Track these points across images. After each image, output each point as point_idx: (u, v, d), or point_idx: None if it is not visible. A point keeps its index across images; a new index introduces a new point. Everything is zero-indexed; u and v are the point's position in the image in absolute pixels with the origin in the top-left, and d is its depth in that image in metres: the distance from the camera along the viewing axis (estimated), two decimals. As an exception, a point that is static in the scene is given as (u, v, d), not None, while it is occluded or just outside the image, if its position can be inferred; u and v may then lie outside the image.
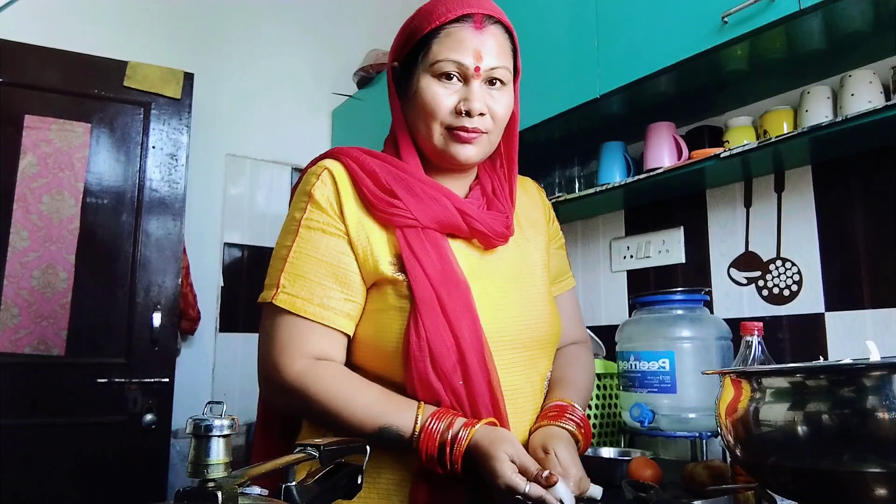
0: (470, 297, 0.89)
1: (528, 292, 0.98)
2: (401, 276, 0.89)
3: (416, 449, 0.83)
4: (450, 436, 0.82)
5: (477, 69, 0.90)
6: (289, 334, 0.89)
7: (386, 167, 0.93)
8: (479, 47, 0.90)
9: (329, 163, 0.94)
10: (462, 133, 0.91)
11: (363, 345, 0.92)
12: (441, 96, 0.91)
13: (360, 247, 0.91)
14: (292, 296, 0.89)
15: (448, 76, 0.91)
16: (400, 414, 0.84)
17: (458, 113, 0.91)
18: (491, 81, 0.93)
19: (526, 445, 0.91)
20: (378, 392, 0.87)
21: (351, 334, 0.92)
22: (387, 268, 0.90)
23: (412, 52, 0.94)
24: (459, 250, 0.94)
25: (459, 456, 0.81)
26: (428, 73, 0.92)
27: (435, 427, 0.82)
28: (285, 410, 0.98)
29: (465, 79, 0.91)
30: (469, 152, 0.93)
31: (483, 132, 0.93)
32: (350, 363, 0.94)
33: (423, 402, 0.86)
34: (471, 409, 0.87)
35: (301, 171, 0.99)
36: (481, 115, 0.91)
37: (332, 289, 0.90)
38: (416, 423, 0.83)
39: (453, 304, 0.87)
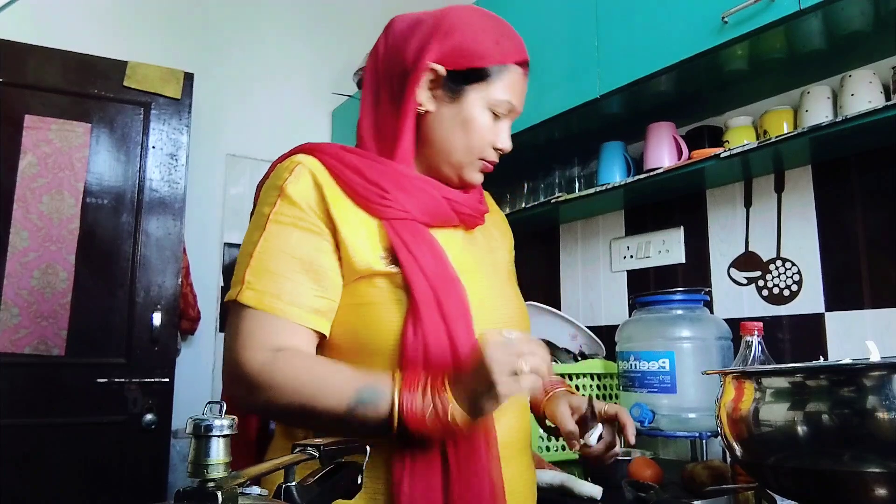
0: (464, 297, 0.87)
1: (505, 287, 1.00)
2: (394, 269, 0.86)
3: (398, 418, 0.77)
4: (431, 403, 0.77)
5: (516, 113, 0.97)
6: (252, 329, 0.83)
7: (368, 162, 0.91)
8: (522, 95, 0.97)
9: (303, 157, 0.90)
10: (488, 164, 0.97)
11: (343, 342, 0.88)
12: (489, 130, 0.95)
13: (345, 242, 0.86)
14: (259, 291, 0.83)
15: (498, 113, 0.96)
16: (375, 383, 0.79)
17: (493, 148, 0.96)
18: None
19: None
20: (349, 369, 0.82)
21: (326, 333, 0.87)
22: (377, 262, 0.86)
23: (468, 71, 0.93)
24: (444, 240, 0.92)
25: (446, 405, 0.76)
26: (482, 103, 0.93)
27: (415, 400, 0.77)
28: (249, 409, 0.90)
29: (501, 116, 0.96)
30: (481, 179, 1.00)
31: None
32: None
33: (397, 374, 0.80)
34: None
35: (269, 168, 0.95)
36: None
37: (302, 284, 0.84)
38: (393, 388, 0.78)
39: (450, 305, 0.85)
